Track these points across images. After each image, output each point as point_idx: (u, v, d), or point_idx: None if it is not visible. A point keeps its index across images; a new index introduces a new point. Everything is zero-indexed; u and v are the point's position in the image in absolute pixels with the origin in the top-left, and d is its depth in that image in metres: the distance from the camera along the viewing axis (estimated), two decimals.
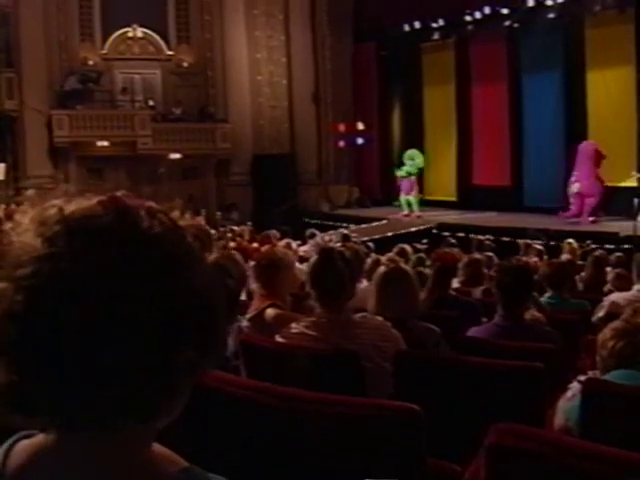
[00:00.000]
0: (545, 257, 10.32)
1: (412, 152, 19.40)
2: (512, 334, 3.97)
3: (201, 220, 17.14)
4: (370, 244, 12.14)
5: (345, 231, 15.10)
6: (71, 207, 0.86)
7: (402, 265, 4.38)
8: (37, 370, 0.82)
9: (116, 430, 0.87)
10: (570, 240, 11.39)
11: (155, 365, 0.84)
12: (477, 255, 8.44)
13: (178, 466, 0.92)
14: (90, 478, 0.87)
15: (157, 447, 0.93)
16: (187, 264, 0.88)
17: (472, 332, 4.18)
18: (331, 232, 15.26)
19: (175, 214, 0.91)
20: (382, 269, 4.01)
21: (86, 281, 0.81)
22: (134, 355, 0.82)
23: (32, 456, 0.89)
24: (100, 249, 0.82)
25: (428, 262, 8.40)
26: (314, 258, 3.40)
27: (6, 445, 0.91)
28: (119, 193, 0.90)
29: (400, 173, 19.10)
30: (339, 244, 8.10)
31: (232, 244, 11.11)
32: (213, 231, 13.34)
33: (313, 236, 12.43)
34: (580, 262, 9.62)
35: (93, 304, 0.81)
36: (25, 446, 0.90)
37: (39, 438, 0.90)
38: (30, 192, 16.48)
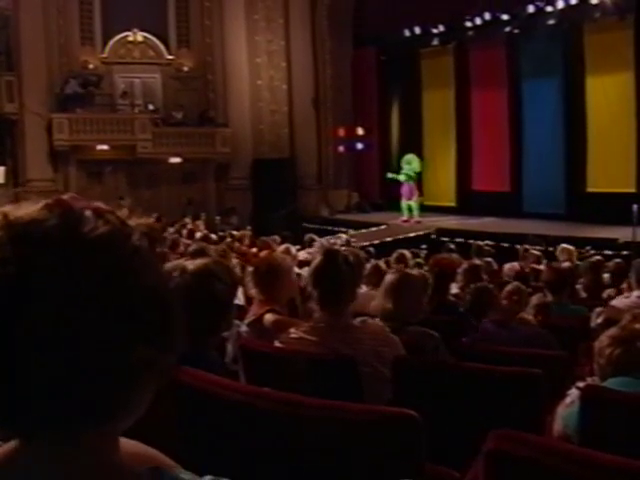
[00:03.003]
0: (544, 262, 10.31)
1: (409, 157, 19.42)
2: (503, 338, 4.02)
3: (200, 224, 17.17)
4: (371, 249, 12.14)
5: (346, 236, 15.12)
6: (17, 213, 0.86)
7: (411, 271, 4.40)
8: None
9: (76, 434, 0.87)
10: (565, 245, 11.33)
11: (109, 364, 0.84)
12: (476, 261, 8.43)
13: (148, 464, 0.91)
14: None
15: (130, 446, 0.93)
16: (134, 263, 0.87)
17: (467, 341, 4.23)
18: (334, 236, 15.29)
19: (123, 213, 0.91)
20: (391, 277, 4.01)
21: (33, 285, 0.81)
22: (87, 356, 0.82)
23: None
24: (44, 253, 0.82)
25: (426, 267, 8.40)
26: (318, 259, 3.38)
27: None
28: (66, 196, 0.89)
29: (400, 178, 19.06)
30: (343, 248, 8.09)
31: (234, 256, 11.10)
32: (213, 235, 13.37)
33: (312, 241, 12.43)
34: (577, 262, 9.65)
35: (41, 308, 0.80)
36: None
37: (3, 448, 0.89)
38: None
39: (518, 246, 13.43)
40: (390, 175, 19.39)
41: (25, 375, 0.81)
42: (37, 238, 0.83)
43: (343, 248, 7.58)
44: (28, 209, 0.87)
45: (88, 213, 0.87)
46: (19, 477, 0.87)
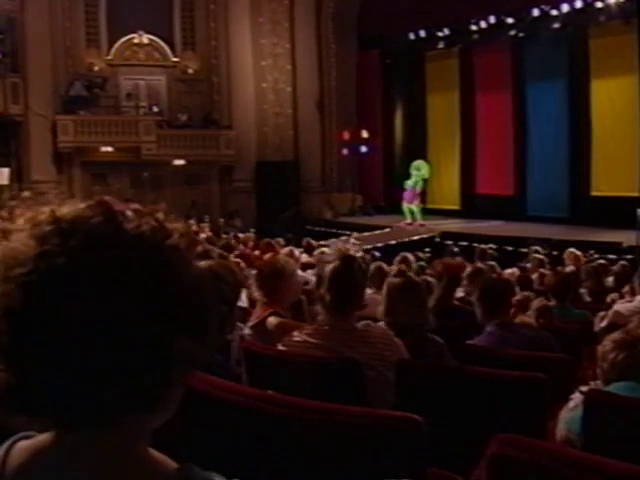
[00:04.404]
0: (547, 266, 10.30)
1: (419, 163, 19.33)
2: (507, 341, 4.01)
3: (205, 227, 17.18)
4: (376, 253, 12.14)
5: (353, 239, 15.09)
6: (62, 210, 0.90)
7: (413, 276, 4.37)
8: (36, 368, 0.84)
9: (115, 427, 0.89)
10: (572, 249, 11.33)
11: (153, 354, 0.87)
12: (480, 264, 8.42)
13: (173, 466, 0.94)
14: (90, 475, 0.89)
15: (151, 450, 0.95)
16: (175, 258, 0.91)
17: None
18: (341, 239, 15.27)
19: (160, 215, 0.94)
20: (395, 279, 3.99)
21: (81, 277, 0.84)
22: (132, 345, 0.85)
23: (33, 456, 0.90)
24: (92, 247, 0.85)
25: (429, 270, 8.39)
26: (336, 263, 3.37)
27: (5, 446, 0.93)
28: (106, 198, 0.93)
29: (408, 183, 18.99)
30: (359, 253, 8.08)
31: (236, 252, 11.09)
32: (224, 236, 13.36)
33: (310, 245, 12.41)
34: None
35: (89, 297, 0.83)
36: (25, 447, 0.92)
37: (39, 438, 0.92)
38: (26, 194, 16.52)
39: (521, 249, 13.41)
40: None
41: (70, 364, 0.83)
42: (84, 233, 0.86)
43: (359, 254, 7.56)
44: (71, 208, 0.90)
45: (129, 213, 0.91)
46: (55, 466, 0.89)
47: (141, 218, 0.91)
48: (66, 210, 0.90)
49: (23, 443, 0.93)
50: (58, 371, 0.83)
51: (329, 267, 3.36)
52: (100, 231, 0.87)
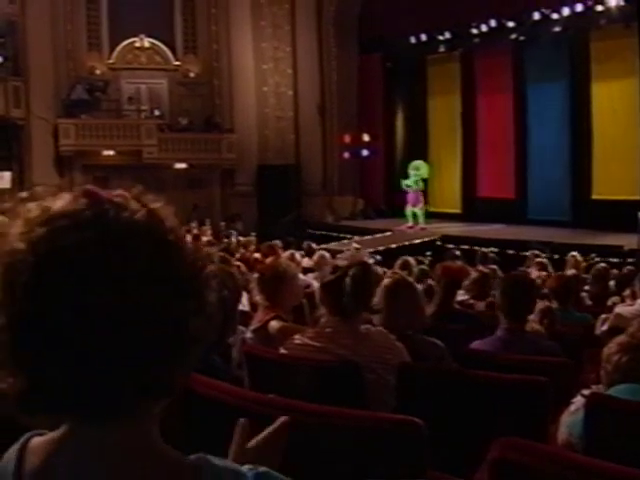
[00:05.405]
0: (550, 269, 10.29)
1: (417, 163, 19.37)
2: (514, 347, 3.96)
3: (207, 230, 17.19)
4: (377, 256, 12.13)
5: (355, 244, 15.08)
6: (52, 208, 0.88)
7: (407, 277, 4.36)
8: (51, 367, 0.83)
9: (130, 415, 0.89)
10: (574, 253, 11.35)
11: (173, 337, 0.88)
12: (483, 268, 8.41)
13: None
14: (110, 467, 0.88)
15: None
16: (174, 240, 0.91)
17: (475, 345, 4.15)
18: (343, 243, 15.27)
19: (145, 197, 0.93)
20: (387, 281, 3.99)
21: (91, 274, 0.83)
22: (153, 331, 0.85)
23: (50, 452, 0.90)
24: (93, 241, 0.84)
25: (431, 274, 8.37)
26: (355, 269, 3.38)
27: (18, 445, 0.93)
28: (90, 187, 0.92)
29: (406, 182, 19.04)
30: (372, 260, 8.15)
31: (237, 255, 11.10)
32: (226, 240, 13.35)
33: (310, 248, 12.40)
34: (584, 275, 9.59)
35: (103, 293, 0.83)
36: (40, 443, 0.92)
37: (53, 435, 0.91)
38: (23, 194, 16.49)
39: (523, 253, 13.40)
40: (404, 182, 19.31)
41: (82, 362, 0.83)
42: (80, 229, 0.85)
43: (372, 261, 7.59)
44: (60, 202, 0.89)
45: (118, 199, 0.90)
46: (75, 461, 0.89)
47: (128, 203, 0.90)
48: (56, 207, 0.88)
49: (37, 440, 0.92)
50: (77, 367, 0.83)
51: (349, 273, 3.35)
52: (97, 224, 0.86)
